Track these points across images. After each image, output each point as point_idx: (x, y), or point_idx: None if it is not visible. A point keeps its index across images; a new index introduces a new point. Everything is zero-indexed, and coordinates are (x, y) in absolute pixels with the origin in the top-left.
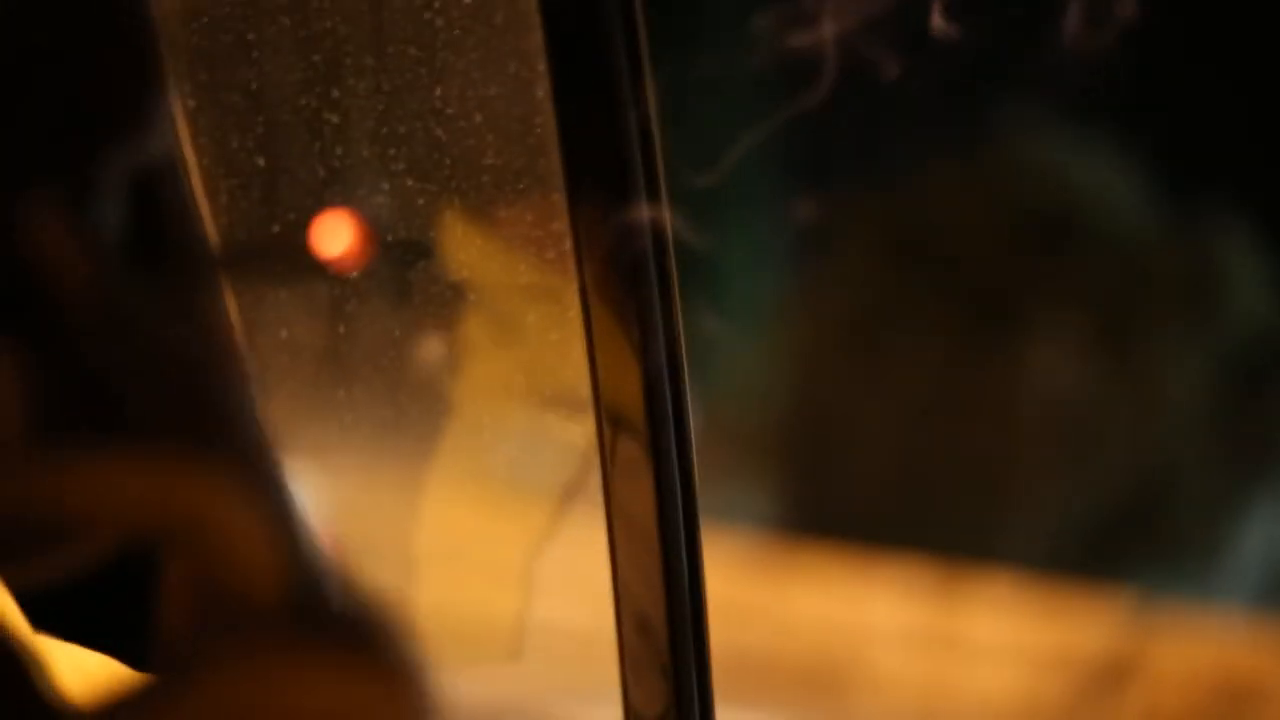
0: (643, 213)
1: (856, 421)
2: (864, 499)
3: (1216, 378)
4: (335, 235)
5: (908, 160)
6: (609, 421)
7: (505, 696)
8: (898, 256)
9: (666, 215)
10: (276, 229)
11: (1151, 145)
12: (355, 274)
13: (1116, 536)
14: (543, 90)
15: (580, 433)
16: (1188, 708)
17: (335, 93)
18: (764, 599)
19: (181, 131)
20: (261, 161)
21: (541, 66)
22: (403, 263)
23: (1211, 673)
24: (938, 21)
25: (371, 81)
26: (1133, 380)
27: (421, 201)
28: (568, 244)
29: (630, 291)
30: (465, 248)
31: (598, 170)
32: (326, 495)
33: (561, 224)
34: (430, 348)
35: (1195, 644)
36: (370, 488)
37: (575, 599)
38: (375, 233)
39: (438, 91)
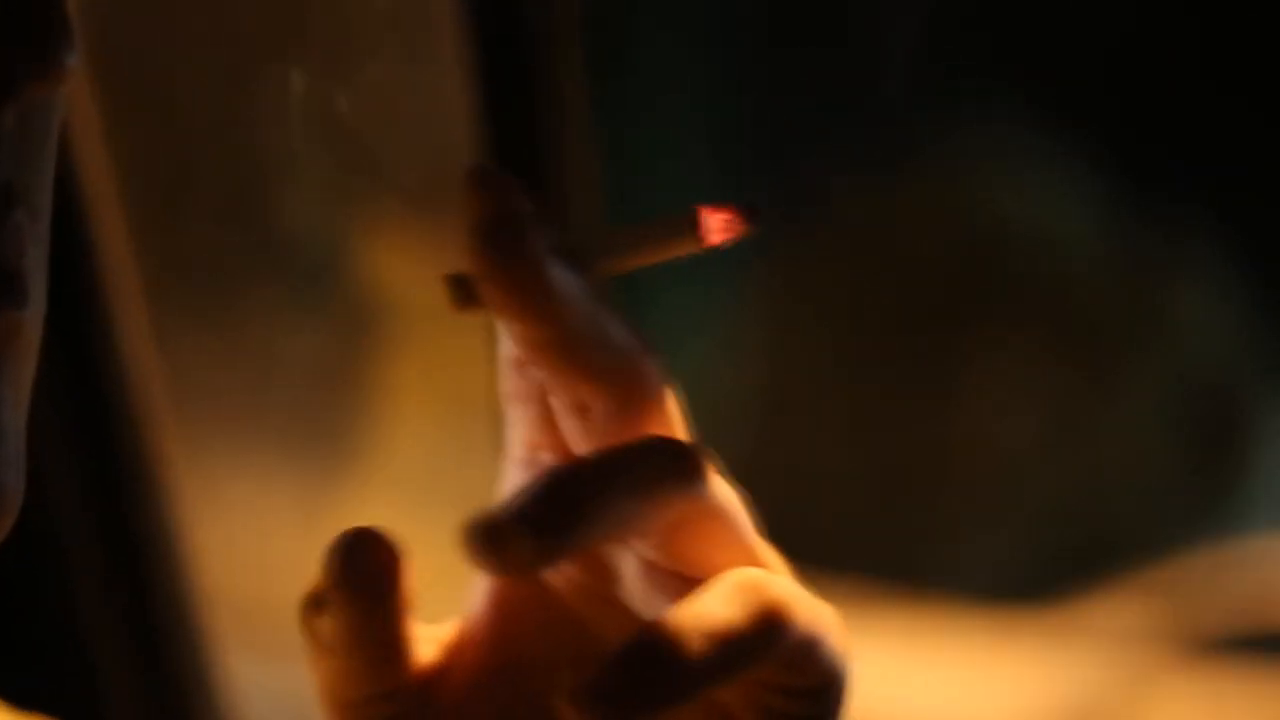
0: (564, 222)
1: (799, 442)
2: (817, 527)
3: (1173, 408)
4: (717, 226)
5: (858, 177)
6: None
7: None
8: (848, 276)
9: (593, 225)
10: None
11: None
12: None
13: (1081, 568)
14: (463, 98)
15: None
16: None
17: (250, 97)
18: None
19: (92, 128)
20: (174, 163)
21: (462, 74)
22: (323, 273)
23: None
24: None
25: (286, 87)
26: (1091, 409)
27: (337, 212)
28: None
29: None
30: (385, 259)
31: (520, 178)
32: (250, 508)
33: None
34: (348, 361)
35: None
36: (291, 502)
37: None
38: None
39: (353, 98)
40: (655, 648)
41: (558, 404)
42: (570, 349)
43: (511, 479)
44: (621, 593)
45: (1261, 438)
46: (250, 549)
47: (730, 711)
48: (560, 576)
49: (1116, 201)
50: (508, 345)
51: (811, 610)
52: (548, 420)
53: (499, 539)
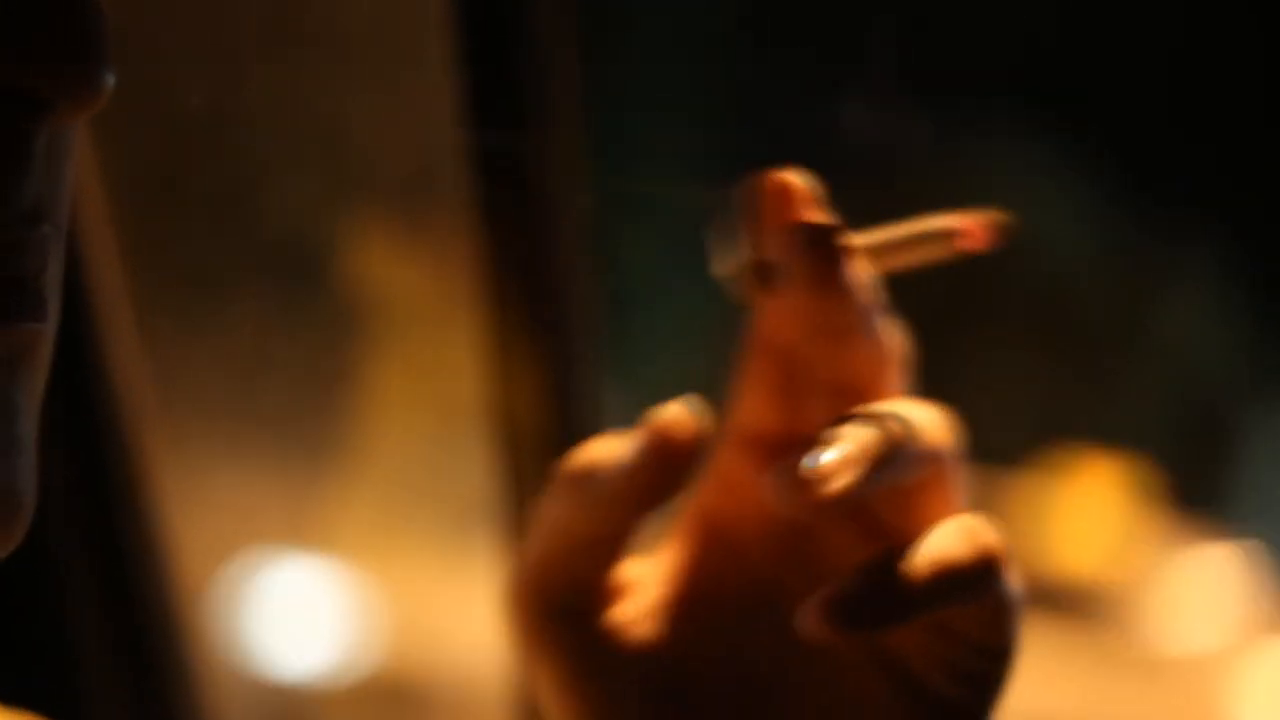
0: (555, 223)
1: None
2: None
3: (1163, 411)
4: (975, 236)
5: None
6: (513, 439)
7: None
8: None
9: (582, 224)
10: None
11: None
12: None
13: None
14: (450, 100)
15: (487, 450)
16: None
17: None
18: None
19: (78, 129)
20: (161, 164)
21: (449, 75)
22: (310, 275)
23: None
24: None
25: (274, 88)
26: (1081, 410)
27: (325, 214)
28: (475, 255)
29: (540, 306)
30: (372, 261)
31: (506, 179)
32: (236, 508)
33: (469, 234)
34: (335, 362)
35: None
36: (278, 502)
37: (478, 622)
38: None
39: (341, 100)
40: (891, 569)
41: (811, 384)
42: (861, 332)
43: (724, 461)
44: (810, 544)
45: (1251, 441)
46: (237, 549)
47: (916, 670)
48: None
49: (1107, 203)
50: (758, 331)
51: (1017, 573)
52: (780, 402)
53: (820, 478)
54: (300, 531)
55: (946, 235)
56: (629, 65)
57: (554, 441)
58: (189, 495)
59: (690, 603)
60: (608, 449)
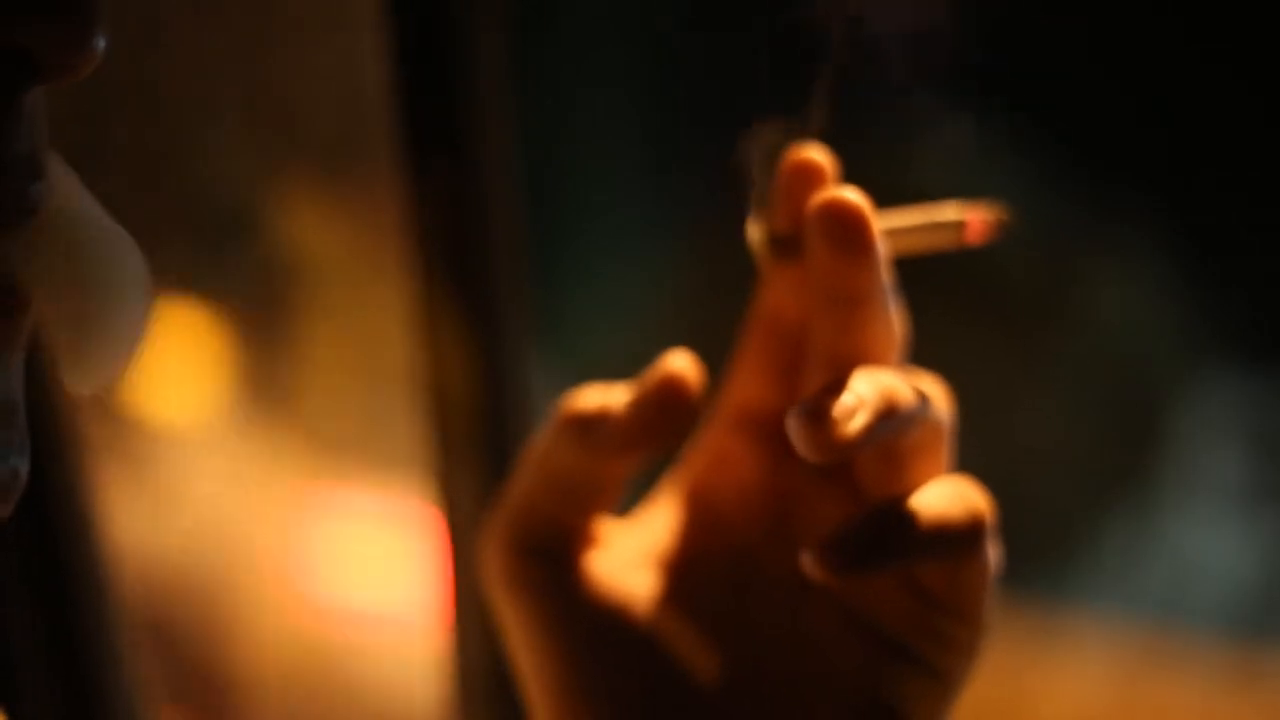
0: (484, 185)
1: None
2: None
3: (1093, 392)
4: (979, 229)
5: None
6: (444, 401)
7: (328, 675)
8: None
9: (511, 188)
10: None
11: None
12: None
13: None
14: (380, 57)
15: (417, 412)
16: None
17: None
18: None
19: None
20: (89, 122)
21: (379, 37)
22: (240, 235)
23: (1092, 686)
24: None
25: (204, 47)
26: (1009, 385)
27: (255, 174)
28: (404, 217)
29: (469, 268)
30: (299, 219)
31: (436, 139)
32: (174, 471)
33: (398, 196)
34: (265, 322)
35: (1077, 656)
36: (209, 465)
37: (401, 584)
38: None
39: (269, 60)
40: (890, 515)
41: (813, 361)
42: (877, 302)
43: (715, 432)
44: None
45: (1181, 422)
46: (170, 512)
47: (896, 635)
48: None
49: (1040, 181)
50: (765, 304)
51: (997, 544)
52: (779, 378)
53: (838, 420)
54: (233, 489)
55: (953, 226)
56: (563, 36)
57: (481, 404)
58: (122, 463)
59: (671, 565)
60: (608, 394)
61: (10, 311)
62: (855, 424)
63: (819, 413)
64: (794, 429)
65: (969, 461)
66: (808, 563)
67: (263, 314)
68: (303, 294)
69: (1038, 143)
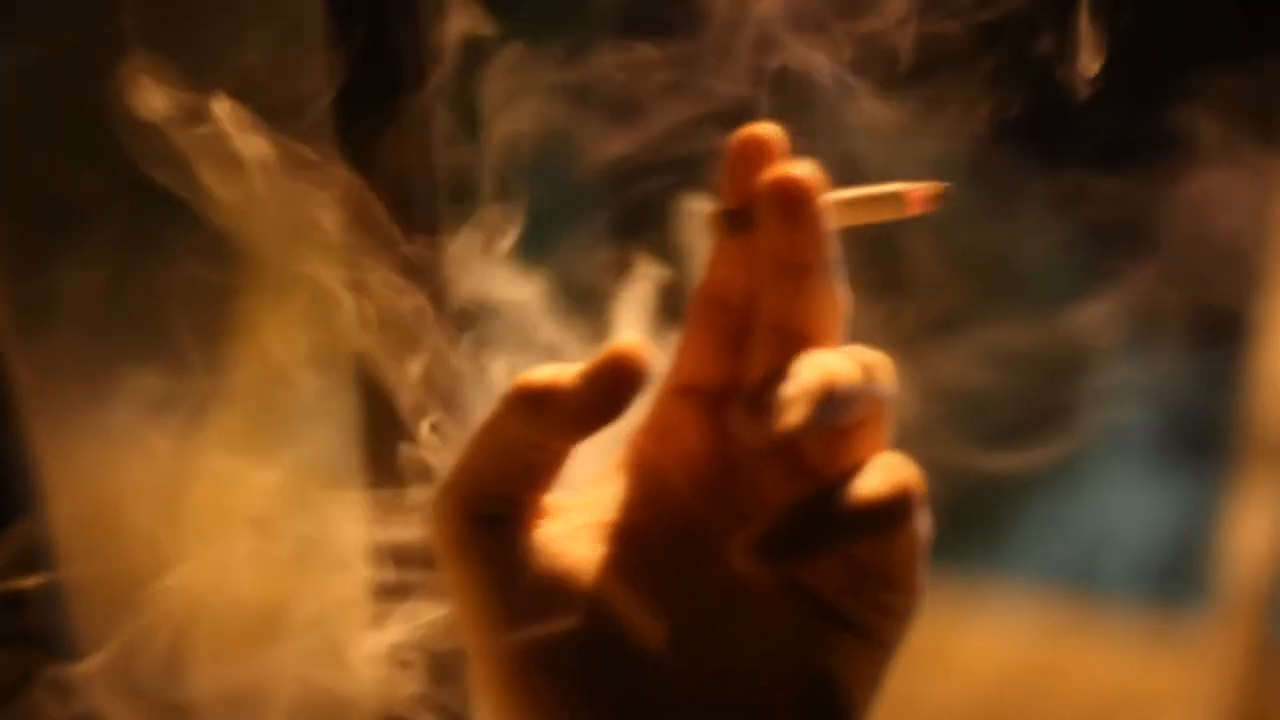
0: (419, 160)
1: None
2: None
3: (1009, 360)
4: (920, 200)
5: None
6: (375, 391)
7: (264, 677)
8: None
9: (440, 161)
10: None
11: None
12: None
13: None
14: (317, 32)
15: (351, 401)
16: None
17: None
18: None
19: None
20: (18, 93)
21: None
22: (175, 211)
23: (1009, 654)
24: None
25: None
26: (928, 361)
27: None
28: (340, 198)
29: (406, 249)
30: (236, 203)
31: (372, 113)
32: (101, 463)
33: (333, 176)
34: (201, 300)
35: (990, 624)
36: (143, 456)
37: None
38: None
39: (209, 26)
40: (814, 506)
41: (759, 334)
42: (824, 273)
43: (661, 406)
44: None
45: (1094, 393)
46: (102, 493)
47: (835, 603)
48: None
49: (960, 154)
50: (712, 278)
51: (927, 511)
52: (724, 352)
53: (778, 411)
54: (167, 473)
55: (897, 199)
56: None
57: (415, 383)
58: (53, 439)
59: (617, 534)
60: (560, 369)
61: None
62: (795, 415)
63: (760, 403)
64: (735, 420)
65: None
66: (737, 555)
67: (201, 293)
68: (242, 272)
69: (958, 121)
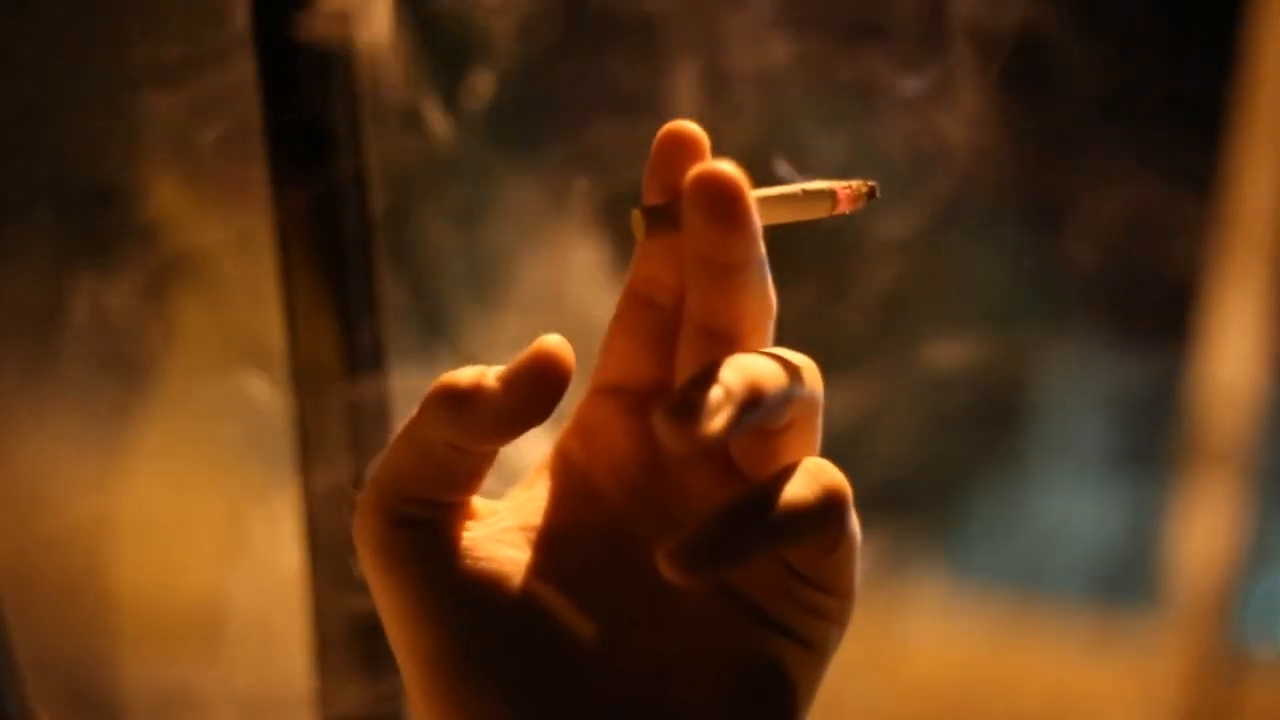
0: (343, 162)
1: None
2: None
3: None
4: (848, 199)
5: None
6: (305, 383)
7: (200, 677)
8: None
9: (367, 165)
10: None
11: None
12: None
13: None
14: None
15: (279, 395)
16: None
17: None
18: None
19: None
20: None
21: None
22: (111, 213)
23: (957, 655)
24: None
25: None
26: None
27: (126, 148)
28: (266, 195)
29: (329, 247)
30: (163, 198)
31: (297, 117)
32: (34, 464)
33: (259, 174)
34: (137, 305)
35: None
36: (77, 457)
37: (269, 573)
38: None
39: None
40: (739, 513)
41: (686, 334)
42: (751, 272)
43: (588, 406)
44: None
45: (1041, 393)
46: (37, 499)
47: (766, 605)
48: (621, 473)
49: (905, 153)
50: (638, 276)
51: (855, 513)
52: (651, 352)
53: (702, 416)
54: (103, 476)
55: (825, 196)
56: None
57: (343, 382)
58: None
59: (545, 536)
60: (482, 371)
61: None
62: (719, 421)
63: (683, 409)
64: (659, 425)
65: (827, 435)
66: (662, 564)
67: (137, 299)
68: (176, 277)
69: (894, 122)
